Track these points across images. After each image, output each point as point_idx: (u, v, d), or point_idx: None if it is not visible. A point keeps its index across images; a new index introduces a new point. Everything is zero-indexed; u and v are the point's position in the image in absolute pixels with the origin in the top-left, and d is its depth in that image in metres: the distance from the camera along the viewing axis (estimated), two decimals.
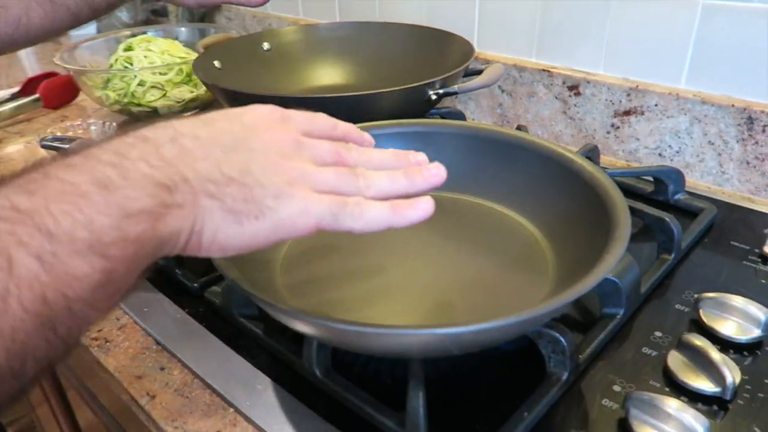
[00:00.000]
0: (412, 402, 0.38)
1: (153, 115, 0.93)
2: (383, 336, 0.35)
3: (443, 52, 0.81)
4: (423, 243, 0.53)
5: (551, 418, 0.41)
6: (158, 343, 0.50)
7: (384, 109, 0.66)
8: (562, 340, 0.41)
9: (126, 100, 0.89)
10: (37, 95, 0.99)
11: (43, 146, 0.53)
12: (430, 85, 0.67)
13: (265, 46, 0.88)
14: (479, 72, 0.73)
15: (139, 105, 0.91)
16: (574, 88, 0.78)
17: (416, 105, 0.68)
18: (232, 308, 0.49)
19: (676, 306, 0.51)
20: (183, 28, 1.10)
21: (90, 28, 1.47)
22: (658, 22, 0.69)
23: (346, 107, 0.65)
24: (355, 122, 0.61)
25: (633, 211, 0.57)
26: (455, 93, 0.67)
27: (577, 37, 0.77)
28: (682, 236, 0.56)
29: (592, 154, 0.69)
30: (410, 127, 0.58)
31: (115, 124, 0.84)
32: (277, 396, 0.44)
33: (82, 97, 1.04)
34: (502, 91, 0.86)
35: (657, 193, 0.66)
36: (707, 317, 0.48)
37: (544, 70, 0.80)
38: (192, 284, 0.55)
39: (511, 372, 0.44)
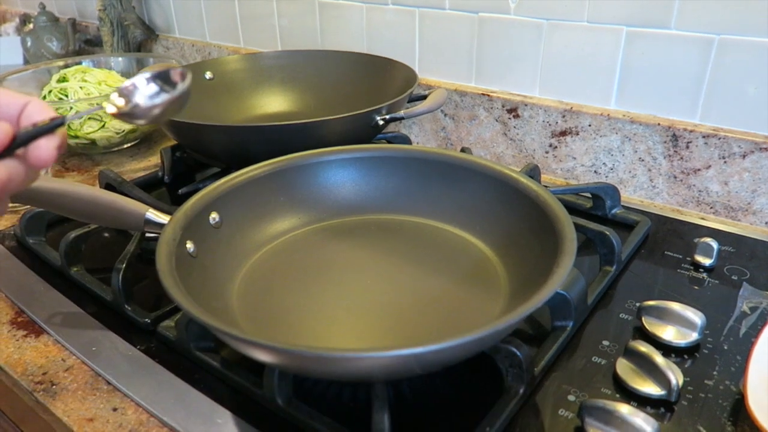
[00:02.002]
0: (377, 425, 0.38)
1: (91, 147, 0.91)
2: (348, 360, 0.35)
3: (386, 79, 0.83)
4: (378, 264, 0.54)
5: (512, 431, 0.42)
6: (109, 383, 0.49)
7: (332, 135, 0.67)
8: (518, 354, 0.43)
9: None
10: None
11: None
12: (377, 111, 0.68)
13: (208, 75, 0.88)
14: (423, 97, 0.75)
15: (76, 137, 0.88)
16: (513, 110, 0.82)
17: (364, 131, 0.69)
18: (188, 342, 0.48)
19: (620, 315, 0.53)
20: (120, 59, 1.08)
21: (17, 59, 1.42)
22: (587, 48, 0.74)
23: (294, 135, 0.65)
24: (303, 149, 0.62)
25: (575, 226, 0.60)
26: (401, 118, 0.69)
27: (513, 62, 0.81)
28: (622, 248, 0.59)
29: (533, 173, 0.72)
30: (359, 152, 0.60)
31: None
32: (238, 429, 0.43)
33: None
34: (445, 115, 0.89)
35: (595, 209, 0.69)
36: (649, 324, 0.50)
37: (483, 94, 0.84)
38: (143, 319, 0.53)
39: (470, 388, 0.45)
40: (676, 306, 0.50)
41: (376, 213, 0.60)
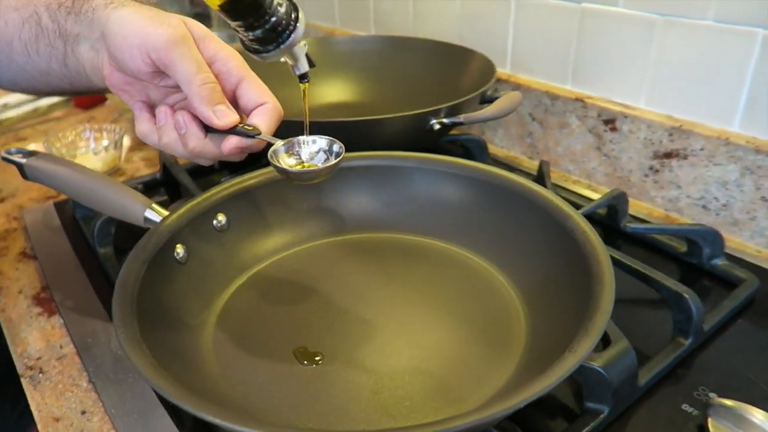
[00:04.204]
0: None
1: None
2: None
3: (463, 72, 0.74)
4: (389, 296, 0.47)
5: None
6: (90, 380, 0.47)
7: (379, 137, 0.60)
8: None
9: None
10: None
11: (4, 158, 0.50)
12: (433, 114, 0.60)
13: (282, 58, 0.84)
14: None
15: None
16: (610, 122, 0.69)
17: (418, 134, 0.61)
18: None
19: (683, 406, 0.41)
20: (223, 34, 1.09)
21: None
22: (710, 54, 0.59)
23: (340, 132, 0.59)
24: (351, 149, 0.55)
25: (647, 279, 0.48)
26: (461, 123, 0.60)
27: (617, 64, 0.68)
28: (707, 315, 0.46)
29: (617, 201, 0.60)
30: (388, 160, 0.52)
31: (123, 130, 0.82)
32: None
33: (112, 99, 1.04)
34: (533, 119, 0.78)
35: (690, 255, 0.56)
36: (716, 429, 0.38)
37: (578, 99, 0.71)
38: None
39: None
40: (759, 415, 0.37)
41: (400, 231, 0.53)
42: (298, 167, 0.40)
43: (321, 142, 0.41)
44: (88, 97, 1.02)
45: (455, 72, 0.75)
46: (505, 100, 0.61)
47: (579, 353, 0.31)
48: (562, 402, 0.42)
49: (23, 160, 0.51)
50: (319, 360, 0.41)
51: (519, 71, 0.79)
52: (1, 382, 0.49)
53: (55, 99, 1.01)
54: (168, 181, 0.73)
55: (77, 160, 0.77)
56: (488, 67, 0.70)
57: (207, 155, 0.40)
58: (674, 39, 0.62)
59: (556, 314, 0.40)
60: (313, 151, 0.41)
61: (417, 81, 0.79)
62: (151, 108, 0.42)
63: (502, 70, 0.80)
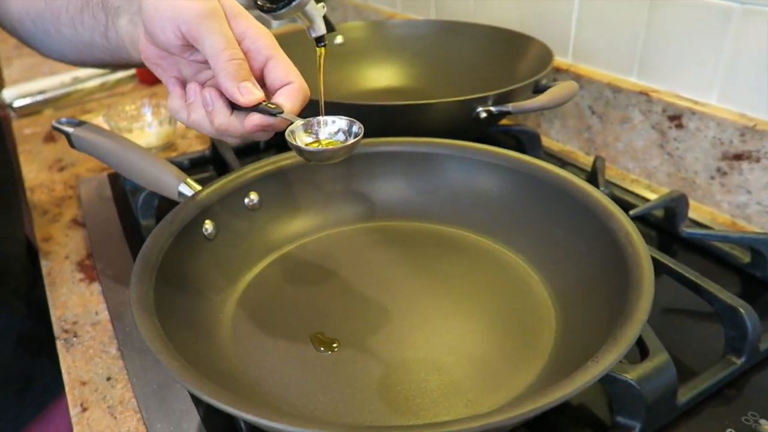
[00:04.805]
0: None
1: None
2: None
3: (519, 59, 0.71)
4: (419, 286, 0.45)
5: None
6: (119, 348, 0.48)
7: (424, 123, 0.58)
8: None
9: None
10: (133, 71, 1.03)
11: (54, 127, 0.52)
12: (480, 101, 0.57)
13: (338, 40, 0.83)
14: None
15: None
16: (676, 118, 0.64)
17: (464, 122, 0.59)
18: None
19: (728, 431, 0.38)
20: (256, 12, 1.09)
21: None
22: None
23: (381, 117, 0.58)
24: (393, 135, 0.54)
25: (699, 290, 0.44)
26: (509, 113, 0.57)
27: (688, 56, 0.62)
28: (764, 334, 0.42)
29: (676, 203, 0.55)
30: (413, 146, 0.50)
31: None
32: None
33: None
34: (593, 112, 0.73)
35: (754, 267, 0.51)
36: None
37: (642, 92, 0.67)
38: None
39: None
40: None
41: (433, 221, 0.51)
42: (316, 146, 0.39)
43: (340, 122, 0.40)
44: (151, 74, 1.05)
45: (511, 60, 0.72)
46: (559, 90, 0.58)
47: (602, 364, 0.28)
48: (593, 412, 0.39)
49: (71, 129, 0.52)
50: (335, 347, 0.40)
51: (581, 61, 0.75)
52: (45, 341, 0.51)
53: (120, 74, 1.04)
54: (216, 159, 0.74)
55: (133, 134, 0.79)
56: (546, 55, 0.66)
57: (232, 133, 0.39)
58: (753, 30, 0.56)
59: (589, 319, 0.38)
60: (332, 131, 0.40)
61: (471, 68, 0.77)
62: (184, 85, 0.42)
63: (563, 60, 0.76)
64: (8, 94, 1.00)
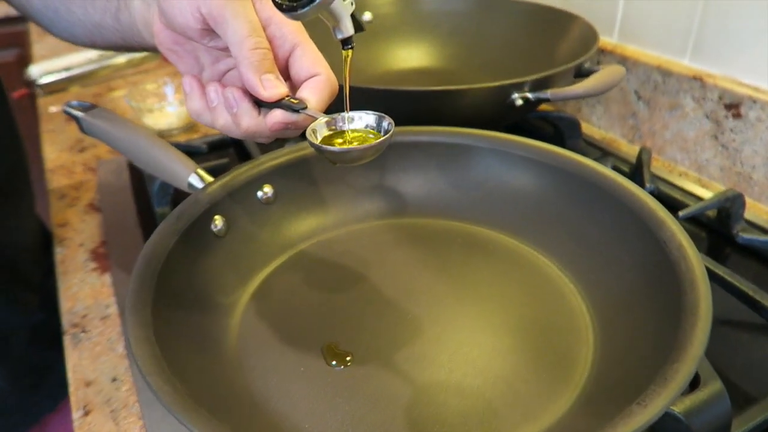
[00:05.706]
0: None
1: None
2: None
3: (562, 39, 0.65)
4: (442, 293, 0.42)
5: None
6: (126, 346, 0.46)
7: (456, 110, 0.54)
8: None
9: None
10: None
11: (65, 111, 0.50)
12: (515, 87, 0.52)
13: (367, 16, 0.79)
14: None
15: None
16: (733, 107, 0.58)
17: (498, 109, 0.54)
18: None
19: None
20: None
21: None
22: None
23: (410, 103, 0.54)
24: (422, 123, 0.50)
25: (755, 305, 0.40)
26: (547, 99, 0.52)
27: (749, 39, 0.56)
28: None
29: (732, 203, 0.50)
30: (443, 136, 0.46)
31: None
32: None
33: None
34: (639, 97, 0.68)
35: None
36: None
37: (696, 78, 0.61)
38: None
39: None
40: None
41: (464, 220, 0.47)
42: (340, 146, 0.35)
43: (368, 118, 0.36)
44: None
45: (551, 40, 0.67)
46: (604, 76, 0.53)
47: (650, 410, 0.24)
48: None
49: (80, 114, 0.49)
50: (349, 361, 0.36)
51: (628, 41, 0.69)
52: (59, 332, 0.49)
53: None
54: (237, 141, 0.71)
55: (154, 114, 0.77)
56: (590, 36, 0.61)
57: (262, 134, 0.36)
58: None
59: (633, 341, 0.33)
60: (359, 127, 0.36)
61: (507, 48, 0.71)
62: (201, 82, 0.38)
63: (608, 39, 0.70)
64: (35, 70, 0.99)
